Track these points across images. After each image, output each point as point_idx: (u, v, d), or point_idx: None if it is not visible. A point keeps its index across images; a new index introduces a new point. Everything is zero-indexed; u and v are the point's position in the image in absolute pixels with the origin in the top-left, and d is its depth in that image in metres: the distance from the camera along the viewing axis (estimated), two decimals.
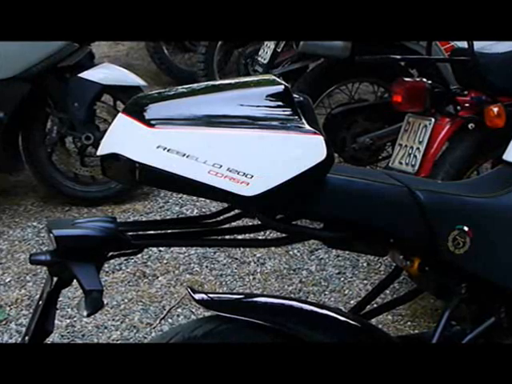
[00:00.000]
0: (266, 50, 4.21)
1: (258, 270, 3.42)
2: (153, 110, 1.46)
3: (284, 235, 1.61)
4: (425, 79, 3.16)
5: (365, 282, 3.32)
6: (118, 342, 2.88)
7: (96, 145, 3.90)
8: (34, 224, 3.88)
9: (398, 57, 3.47)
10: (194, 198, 3.94)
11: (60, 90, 3.92)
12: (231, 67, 5.78)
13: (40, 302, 1.52)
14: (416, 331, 2.91)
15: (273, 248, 3.51)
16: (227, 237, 1.65)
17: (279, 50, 4.14)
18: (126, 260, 3.42)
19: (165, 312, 3.08)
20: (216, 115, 1.45)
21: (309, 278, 3.36)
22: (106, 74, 3.99)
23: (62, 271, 1.47)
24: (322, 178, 1.50)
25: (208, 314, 1.57)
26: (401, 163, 3.11)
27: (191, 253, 3.54)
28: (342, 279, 3.35)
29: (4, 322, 3.02)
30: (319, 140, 1.46)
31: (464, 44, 3.02)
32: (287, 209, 1.53)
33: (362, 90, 4.25)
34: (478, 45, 2.97)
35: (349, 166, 3.74)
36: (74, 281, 1.45)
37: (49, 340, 1.65)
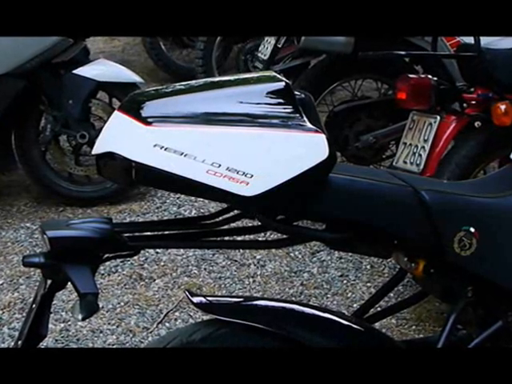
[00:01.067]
0: (267, 46, 4.19)
1: (258, 273, 3.40)
2: (150, 108, 1.44)
3: (285, 236, 1.59)
4: (430, 76, 3.14)
5: (368, 284, 3.30)
6: (114, 346, 2.86)
7: (91, 143, 3.88)
8: (28, 225, 3.85)
9: (403, 52, 3.44)
10: (193, 198, 3.92)
11: (54, 87, 3.89)
12: (230, 63, 5.78)
13: (33, 306, 1.51)
14: (421, 335, 2.90)
15: (273, 250, 3.49)
16: (226, 238, 1.64)
17: (280, 46, 4.12)
18: (122, 262, 3.41)
19: (162, 316, 3.06)
20: (215, 113, 1.44)
21: (310, 281, 3.34)
22: (101, 70, 3.97)
23: (56, 273, 1.46)
24: (323, 178, 1.48)
25: (206, 317, 1.56)
26: (405, 162, 3.10)
27: (189, 255, 3.52)
28: (345, 282, 3.33)
29: None
30: (321, 138, 1.45)
31: (470, 39, 3.01)
32: (288, 209, 1.51)
33: (365, 86, 4.23)
34: (485, 40, 2.96)
35: (351, 165, 3.71)
36: (69, 283, 1.44)
37: (42, 344, 1.65)
